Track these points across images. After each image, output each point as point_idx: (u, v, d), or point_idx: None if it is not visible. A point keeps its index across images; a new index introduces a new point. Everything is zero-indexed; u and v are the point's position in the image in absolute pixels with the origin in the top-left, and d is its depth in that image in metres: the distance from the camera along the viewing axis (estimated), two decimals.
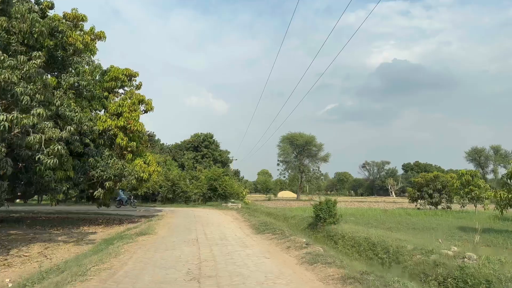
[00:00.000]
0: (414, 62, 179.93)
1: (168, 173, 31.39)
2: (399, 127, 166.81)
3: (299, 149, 79.96)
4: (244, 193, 43.93)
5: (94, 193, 14.01)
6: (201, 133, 53.45)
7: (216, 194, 33.22)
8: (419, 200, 28.93)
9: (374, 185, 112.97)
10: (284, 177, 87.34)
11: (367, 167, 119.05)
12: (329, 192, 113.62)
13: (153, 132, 52.09)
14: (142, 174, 16.09)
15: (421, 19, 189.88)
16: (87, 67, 12.68)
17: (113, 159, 14.53)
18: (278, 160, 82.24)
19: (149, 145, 18.29)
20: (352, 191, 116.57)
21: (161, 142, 54.00)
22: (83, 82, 12.49)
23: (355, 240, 9.25)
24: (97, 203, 18.99)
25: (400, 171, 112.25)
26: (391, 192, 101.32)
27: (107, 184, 13.95)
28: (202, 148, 51.16)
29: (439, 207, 27.58)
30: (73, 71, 12.30)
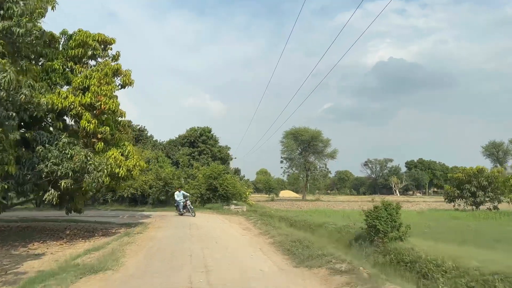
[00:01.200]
0: (410, 61, 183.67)
1: (159, 171, 27.47)
2: (396, 126, 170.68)
3: (304, 145, 76.19)
4: (248, 193, 40.14)
5: (45, 197, 10.10)
6: (198, 127, 49.50)
7: (216, 195, 29.34)
8: (456, 200, 25.10)
9: (377, 183, 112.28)
10: (288, 175, 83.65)
11: (370, 165, 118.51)
12: (329, 191, 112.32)
13: (144, 127, 48.45)
14: (117, 170, 12.21)
15: (417, 17, 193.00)
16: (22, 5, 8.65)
17: (73, 149, 10.61)
18: (281, 157, 78.37)
19: (130, 132, 14.32)
20: (354, 190, 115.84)
21: (154, 139, 50.01)
22: (19, 30, 8.54)
23: (470, 276, 5.37)
24: (66, 208, 15.30)
25: (403, 169, 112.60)
26: (395, 190, 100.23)
27: (63, 182, 10.04)
28: (199, 143, 47.14)
29: (483, 207, 23.77)
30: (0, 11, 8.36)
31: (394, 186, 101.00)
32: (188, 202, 20.20)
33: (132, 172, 13.34)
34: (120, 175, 12.41)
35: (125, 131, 14.40)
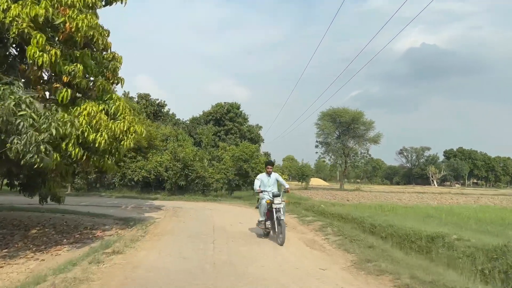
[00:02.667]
0: (443, 47, 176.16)
1: (177, 150, 22.90)
2: (427, 114, 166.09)
3: (343, 128, 69.83)
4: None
5: None
6: (225, 102, 44.66)
7: (247, 182, 24.53)
8: None
9: (412, 173, 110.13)
10: (324, 161, 77.91)
11: (405, 154, 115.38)
12: (359, 181, 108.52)
13: (164, 101, 44.16)
14: (91, 136, 7.48)
15: (452, 1, 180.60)
16: None
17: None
18: (316, 141, 72.70)
19: (120, 82, 9.40)
20: (386, 180, 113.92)
21: (176, 118, 45.70)
22: None
23: None
24: (40, 196, 11.30)
25: (441, 158, 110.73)
26: (432, 181, 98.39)
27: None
28: (226, 121, 42.42)
29: None
30: None
31: (432, 176, 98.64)
32: (281, 206, 8.21)
33: (122, 142, 8.58)
34: (98, 146, 7.64)
35: (115, 79, 9.55)
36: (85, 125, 7.47)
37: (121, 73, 9.83)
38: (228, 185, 25.48)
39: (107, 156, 9.10)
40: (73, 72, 7.72)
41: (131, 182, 24.03)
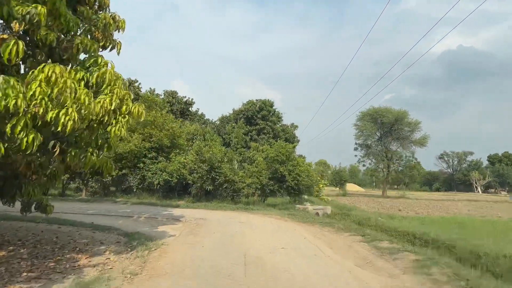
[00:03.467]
0: (481, 49, 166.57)
1: (203, 150, 20.20)
2: (464, 117, 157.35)
3: (385, 129, 65.08)
4: (321, 186, 31.72)
5: None
6: (257, 100, 41.80)
7: (283, 187, 21.45)
8: None
9: (454, 179, 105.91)
10: (364, 165, 73.22)
11: (446, 158, 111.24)
12: (396, 187, 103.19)
13: (192, 99, 42.02)
14: (50, 115, 4.69)
15: (490, 2, 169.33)
16: None
17: None
18: (355, 144, 68.42)
19: (115, 46, 6.52)
20: (425, 186, 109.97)
21: (205, 118, 43.45)
22: None
23: None
24: (21, 205, 8.83)
25: (485, 163, 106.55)
26: (476, 187, 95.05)
27: None
28: (258, 120, 39.54)
29: None
30: None
31: (476, 183, 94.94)
32: None
33: (110, 128, 5.82)
34: (63, 130, 4.88)
35: (107, 40, 6.80)
36: (41, 96, 4.71)
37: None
38: (261, 191, 22.45)
39: (91, 149, 6.37)
40: (29, 17, 5.04)
41: (151, 186, 21.59)
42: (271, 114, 41.16)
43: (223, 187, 21.48)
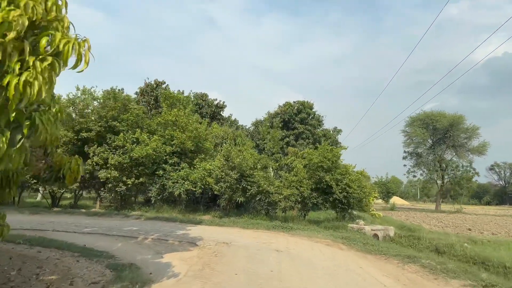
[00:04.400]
0: None
1: (232, 155, 17.22)
2: (510, 127, 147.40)
3: (438, 136, 59.17)
4: (372, 199, 27.62)
5: None
6: (295, 101, 38.56)
7: (328, 200, 17.95)
8: None
9: (506, 191, 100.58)
10: (415, 176, 67.25)
11: (497, 170, 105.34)
12: (442, 200, 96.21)
13: (224, 103, 39.42)
14: None
15: None
16: None
17: None
18: (404, 152, 62.78)
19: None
20: (474, 199, 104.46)
21: (239, 124, 40.72)
22: None
23: None
24: None
25: None
26: None
27: None
28: (296, 123, 36.25)
29: None
30: None
31: None
32: None
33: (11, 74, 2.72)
34: None
35: None
36: None
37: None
38: (302, 204, 19.04)
39: None
40: None
41: (172, 197, 18.89)
42: (310, 117, 37.73)
43: (256, 199, 18.40)
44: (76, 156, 5.49)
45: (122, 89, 20.96)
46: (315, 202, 18.35)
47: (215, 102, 38.70)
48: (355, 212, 20.94)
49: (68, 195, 24.21)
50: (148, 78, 36.00)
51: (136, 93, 34.67)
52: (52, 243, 9.69)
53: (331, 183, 17.63)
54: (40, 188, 19.58)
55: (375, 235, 14.81)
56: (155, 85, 31.56)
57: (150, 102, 30.01)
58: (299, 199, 18.53)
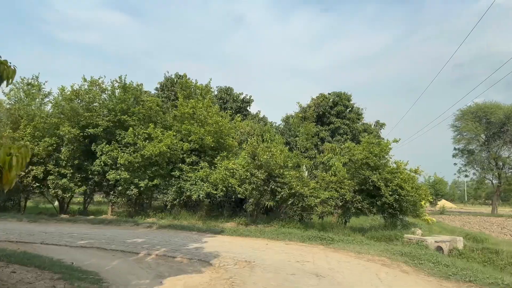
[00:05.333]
0: None
1: (258, 151, 15.27)
2: None
3: (494, 130, 54.48)
4: (424, 202, 24.69)
5: None
6: (330, 93, 36.07)
7: (375, 204, 15.67)
8: None
9: None
10: (467, 176, 62.69)
11: None
12: (487, 201, 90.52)
13: (250, 97, 37.62)
14: None
15: None
16: None
17: None
18: (454, 149, 58.26)
19: None
20: None
21: (269, 121, 38.80)
22: None
23: None
24: None
25: None
26: None
27: None
28: (332, 117, 33.80)
29: None
30: None
31: None
32: None
33: None
34: None
35: None
36: None
37: None
38: (343, 209, 16.85)
39: None
40: None
41: (190, 201, 17.25)
42: (348, 110, 35.17)
43: (287, 204, 16.39)
44: (24, 142, 3.68)
45: (141, 84, 19.63)
46: (359, 206, 16.14)
47: (241, 97, 36.95)
48: (407, 219, 18.51)
49: (78, 199, 23.25)
50: (168, 72, 34.89)
51: (156, 88, 33.59)
52: (34, 260, 8.09)
53: (378, 183, 15.36)
54: (47, 193, 18.51)
55: (439, 248, 12.38)
56: (176, 79, 30.19)
57: (170, 98, 28.69)
58: (340, 203, 16.41)
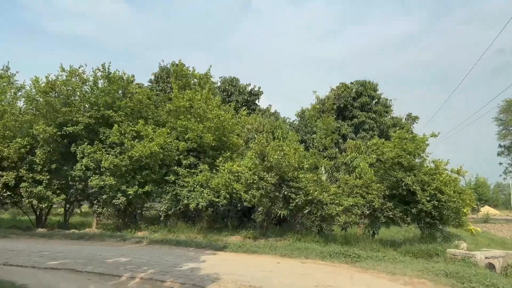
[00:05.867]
0: None
1: (266, 150, 14.66)
2: None
3: None
4: (467, 209, 23.89)
5: None
6: (352, 82, 35.26)
7: (410, 212, 15.04)
8: None
9: None
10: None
11: None
12: None
13: (259, 89, 37.03)
14: None
15: None
16: None
17: None
18: (500, 146, 56.91)
19: None
20: None
21: (283, 116, 38.19)
22: None
23: None
24: None
25: None
26: None
27: None
28: (355, 110, 32.99)
29: None
30: None
31: None
32: None
33: None
34: None
35: None
36: None
37: None
38: (371, 218, 16.22)
39: None
40: None
41: (190, 211, 16.78)
42: (374, 101, 34.29)
43: (303, 213, 15.83)
44: None
45: (133, 75, 19.17)
46: (390, 215, 15.49)
47: (248, 88, 36.34)
48: (447, 229, 17.75)
49: (60, 209, 22.86)
50: (163, 61, 34.26)
51: (150, 80, 33.16)
52: None
53: (413, 187, 14.73)
54: (21, 203, 18.12)
55: (490, 265, 11.59)
56: (171, 69, 29.74)
57: (166, 91, 28.25)
58: (366, 211, 15.80)
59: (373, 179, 16.57)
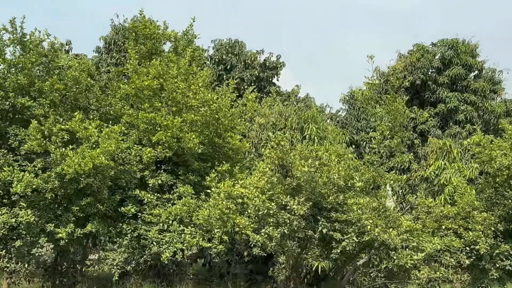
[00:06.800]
0: None
1: (290, 155, 15.32)
2: None
3: None
4: None
5: None
6: (434, 43, 35.98)
7: None
8: None
9: None
10: None
11: None
12: None
13: (279, 58, 37.62)
14: None
15: None
16: None
17: None
18: None
19: None
20: None
21: (318, 104, 39.54)
22: None
23: None
24: None
25: None
26: None
27: None
28: (442, 90, 34.46)
29: None
30: None
31: None
32: None
33: None
34: None
35: None
36: None
37: None
38: (474, 271, 17.40)
39: None
40: None
41: (161, 264, 17.72)
42: (473, 74, 35.15)
43: (355, 264, 17.00)
44: None
45: (69, 41, 19.63)
46: (507, 266, 16.41)
47: (260, 58, 37.08)
48: None
49: None
50: (117, 17, 34.63)
51: (98, 49, 33.79)
52: None
53: None
54: None
55: None
56: (130, 27, 30.32)
57: (123, 64, 28.80)
58: (466, 260, 16.41)
59: (475, 205, 16.99)
